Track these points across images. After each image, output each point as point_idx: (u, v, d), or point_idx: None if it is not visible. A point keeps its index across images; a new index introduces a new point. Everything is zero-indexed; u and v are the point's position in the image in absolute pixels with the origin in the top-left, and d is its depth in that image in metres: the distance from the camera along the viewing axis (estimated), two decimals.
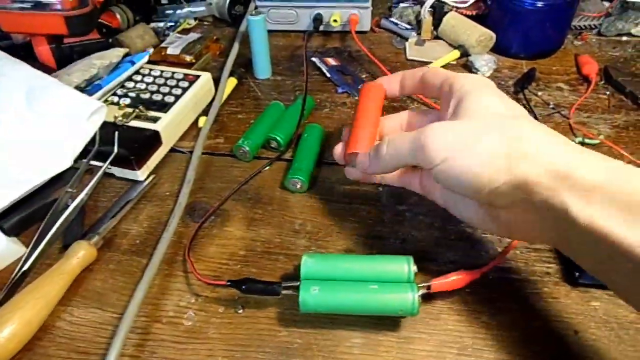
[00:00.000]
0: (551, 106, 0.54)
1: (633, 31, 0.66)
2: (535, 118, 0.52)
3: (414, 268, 0.34)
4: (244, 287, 0.34)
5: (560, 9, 0.59)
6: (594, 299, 0.35)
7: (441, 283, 0.35)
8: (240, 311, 0.35)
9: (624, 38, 0.66)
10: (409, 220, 0.42)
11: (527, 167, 0.27)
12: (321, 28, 0.67)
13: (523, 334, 0.34)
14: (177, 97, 0.50)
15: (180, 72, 0.54)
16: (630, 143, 0.49)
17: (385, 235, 0.41)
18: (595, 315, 0.35)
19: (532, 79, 0.57)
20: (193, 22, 0.71)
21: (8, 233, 0.39)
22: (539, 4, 0.58)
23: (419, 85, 0.38)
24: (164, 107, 0.49)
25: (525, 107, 0.54)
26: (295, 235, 0.41)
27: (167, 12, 0.70)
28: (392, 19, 0.70)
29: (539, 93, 0.56)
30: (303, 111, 0.50)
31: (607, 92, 0.57)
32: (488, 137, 0.29)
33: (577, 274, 0.36)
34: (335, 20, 0.65)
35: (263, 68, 0.60)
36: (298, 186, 0.44)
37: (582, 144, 0.49)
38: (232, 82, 0.58)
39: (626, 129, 0.51)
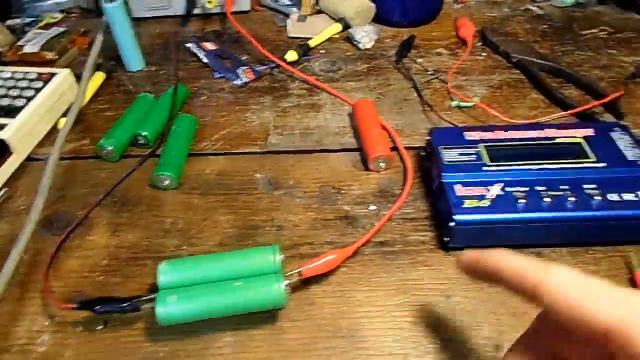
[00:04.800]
0: (430, 72, 0.54)
1: None
2: (415, 86, 0.52)
3: (279, 257, 0.32)
4: (96, 308, 0.31)
5: None
6: None
7: (312, 267, 0.33)
8: (100, 327, 0.32)
9: None
10: (285, 205, 0.40)
11: None
12: (197, 11, 0.63)
13: (398, 306, 0.33)
14: (29, 100, 0.46)
15: (33, 71, 0.49)
16: (503, 102, 0.50)
17: (261, 224, 0.39)
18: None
19: (411, 46, 0.57)
20: (59, 16, 0.65)
21: None
22: None
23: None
24: (12, 112, 0.44)
25: (405, 76, 0.54)
26: (165, 235, 0.38)
27: (26, 6, 0.64)
28: None
29: (419, 60, 0.56)
30: (174, 102, 0.47)
31: (484, 54, 0.57)
32: None
33: (446, 239, 0.36)
34: (209, 1, 0.61)
35: (133, 59, 0.55)
36: (167, 183, 0.41)
37: (459, 107, 0.49)
38: (99, 77, 0.53)
39: (500, 88, 0.52)
